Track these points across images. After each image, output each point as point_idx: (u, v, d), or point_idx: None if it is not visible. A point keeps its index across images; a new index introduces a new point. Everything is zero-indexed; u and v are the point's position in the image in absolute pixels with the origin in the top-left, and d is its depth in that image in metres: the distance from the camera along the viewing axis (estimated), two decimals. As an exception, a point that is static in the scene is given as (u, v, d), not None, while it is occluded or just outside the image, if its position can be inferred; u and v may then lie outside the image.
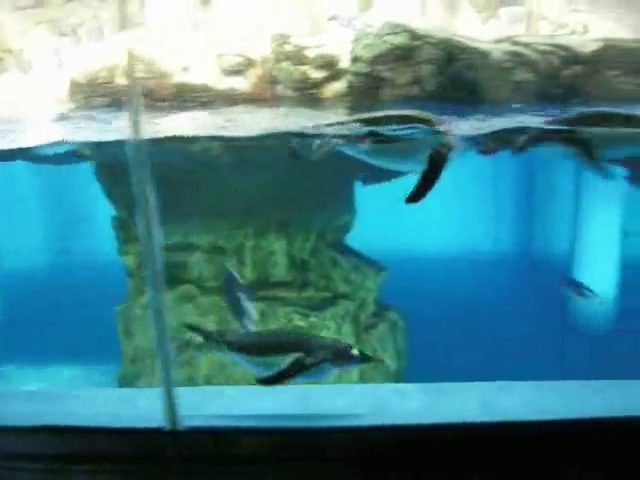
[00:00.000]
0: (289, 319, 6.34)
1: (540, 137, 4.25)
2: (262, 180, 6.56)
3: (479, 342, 7.62)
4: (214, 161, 6.50)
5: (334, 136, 4.78)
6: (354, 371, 6.50)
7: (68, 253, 9.25)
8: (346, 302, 6.52)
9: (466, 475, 2.76)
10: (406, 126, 4.32)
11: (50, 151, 7.39)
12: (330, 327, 6.37)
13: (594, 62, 4.95)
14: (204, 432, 3.17)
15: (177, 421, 3.15)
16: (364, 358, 3.19)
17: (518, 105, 4.66)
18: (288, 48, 6.23)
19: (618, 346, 7.73)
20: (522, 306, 8.54)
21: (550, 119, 4.56)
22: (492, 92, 4.58)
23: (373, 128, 4.48)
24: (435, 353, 6.97)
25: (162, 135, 6.37)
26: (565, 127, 4.39)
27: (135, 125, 2.74)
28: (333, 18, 6.80)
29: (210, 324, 6.50)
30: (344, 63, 5.94)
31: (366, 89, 5.56)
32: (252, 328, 4.19)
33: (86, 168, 7.15)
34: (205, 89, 6.84)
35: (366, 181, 7.21)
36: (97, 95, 7.34)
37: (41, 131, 6.75)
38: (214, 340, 3.76)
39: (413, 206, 4.28)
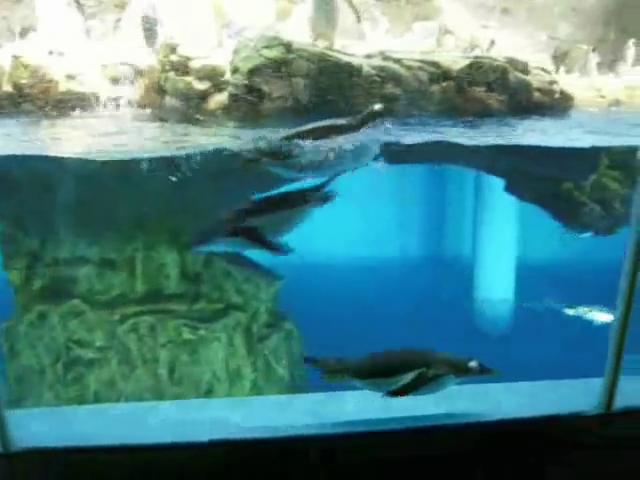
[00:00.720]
0: (178, 332, 6.27)
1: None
2: (153, 191, 6.49)
3: (381, 348, 7.76)
4: (101, 173, 6.37)
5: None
6: (246, 382, 6.52)
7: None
8: (238, 313, 6.51)
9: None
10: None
11: None
12: (221, 339, 6.35)
13: (463, 78, 5.13)
14: (37, 452, 3.07)
15: (8, 443, 3.04)
16: (482, 369, 3.20)
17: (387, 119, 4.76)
18: (174, 58, 6.18)
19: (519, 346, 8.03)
20: (425, 310, 8.76)
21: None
22: (361, 106, 4.67)
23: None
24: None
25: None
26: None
27: None
28: (224, 27, 6.81)
29: (98, 340, 6.38)
30: (228, 75, 5.96)
31: (246, 101, 5.57)
32: None
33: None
34: (92, 97, 6.72)
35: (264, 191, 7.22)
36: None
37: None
38: (335, 369, 3.63)
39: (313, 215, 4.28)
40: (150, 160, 6.18)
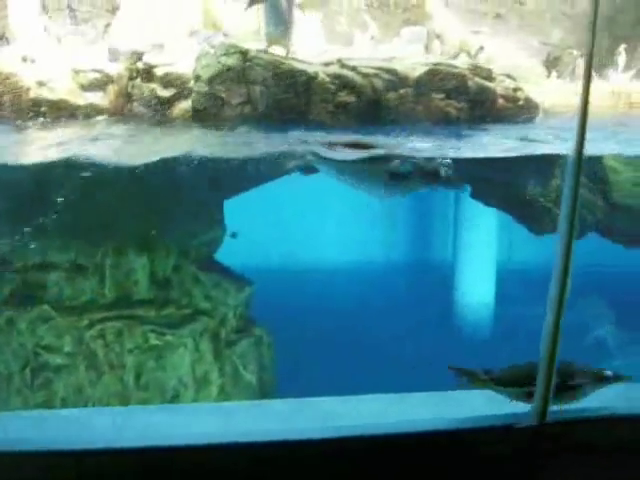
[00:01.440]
0: (145, 338, 6.30)
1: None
2: (121, 196, 6.54)
3: (352, 354, 7.77)
4: (69, 178, 6.42)
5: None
6: (213, 388, 6.53)
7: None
8: (205, 319, 6.54)
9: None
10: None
11: None
12: (187, 345, 6.37)
13: (421, 85, 5.14)
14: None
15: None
16: (617, 377, 3.32)
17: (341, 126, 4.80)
18: (140, 66, 6.23)
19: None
20: (402, 315, 8.75)
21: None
22: (316, 113, 4.70)
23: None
24: (306, 367, 7.07)
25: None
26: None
27: None
28: (193, 34, 6.85)
29: (66, 346, 6.41)
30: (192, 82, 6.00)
31: (208, 108, 5.62)
32: None
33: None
34: (63, 104, 6.77)
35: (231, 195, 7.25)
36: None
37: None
38: (482, 379, 3.75)
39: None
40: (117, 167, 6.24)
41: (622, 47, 13.24)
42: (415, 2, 17.04)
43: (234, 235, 9.37)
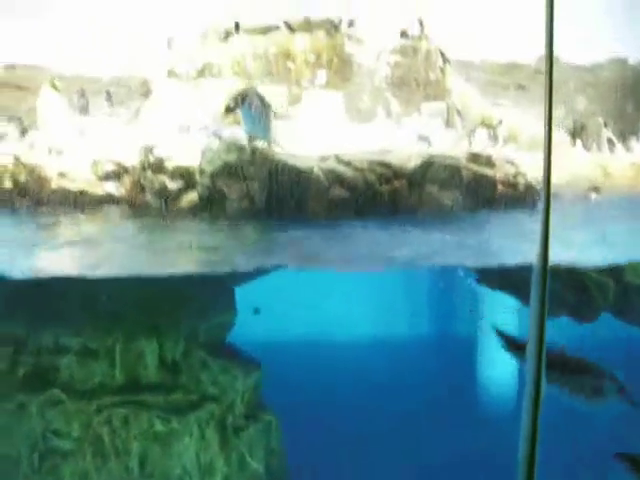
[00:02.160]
0: (151, 424, 6.31)
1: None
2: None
3: (365, 439, 7.59)
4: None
5: None
6: (219, 474, 6.45)
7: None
8: (212, 405, 6.53)
9: None
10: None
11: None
12: (193, 432, 6.35)
13: (415, 177, 5.23)
14: None
15: None
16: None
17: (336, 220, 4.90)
18: (151, 158, 6.53)
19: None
20: (420, 395, 8.55)
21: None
22: (311, 208, 4.82)
23: None
24: (315, 452, 6.94)
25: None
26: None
27: None
28: (203, 128, 7.17)
29: (74, 431, 6.47)
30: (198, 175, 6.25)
31: (212, 201, 5.81)
32: None
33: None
34: (82, 194, 7.10)
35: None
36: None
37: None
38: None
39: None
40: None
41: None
42: (435, 78, 17.53)
43: (257, 311, 9.49)
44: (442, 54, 17.19)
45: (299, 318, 9.77)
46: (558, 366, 4.54)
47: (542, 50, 2.16)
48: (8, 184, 7.54)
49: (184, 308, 6.91)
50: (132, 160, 7.00)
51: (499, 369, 9.19)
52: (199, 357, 6.81)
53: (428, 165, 5.30)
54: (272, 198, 5.14)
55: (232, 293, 7.34)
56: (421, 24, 17.60)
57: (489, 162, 5.70)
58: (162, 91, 13.14)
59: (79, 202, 6.99)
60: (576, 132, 16.32)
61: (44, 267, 6.53)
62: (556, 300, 6.39)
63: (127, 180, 6.94)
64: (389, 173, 5.27)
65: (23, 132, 8.80)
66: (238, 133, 7.01)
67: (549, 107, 2.68)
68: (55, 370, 6.72)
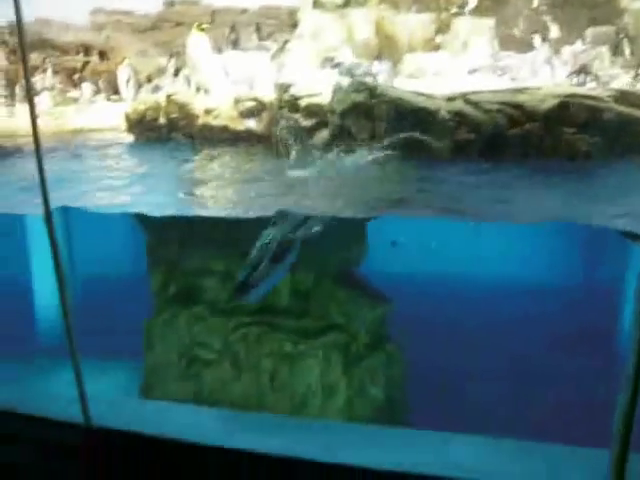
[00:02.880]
0: (280, 345, 6.86)
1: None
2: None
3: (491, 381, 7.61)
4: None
5: None
6: (340, 397, 6.91)
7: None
8: (337, 332, 6.90)
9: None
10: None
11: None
12: (318, 355, 6.80)
13: (549, 119, 4.93)
14: (116, 433, 3.72)
15: (89, 419, 3.73)
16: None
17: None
18: (286, 97, 6.78)
19: None
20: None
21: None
22: (437, 150, 4.80)
23: None
24: (435, 386, 7.15)
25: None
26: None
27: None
28: (335, 65, 7.22)
29: (215, 344, 7.23)
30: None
31: (340, 140, 5.97)
32: None
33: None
34: (225, 129, 7.58)
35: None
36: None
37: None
38: None
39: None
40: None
41: None
42: (604, -2, 15.61)
43: (394, 244, 9.71)
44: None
45: (434, 255, 9.78)
46: None
47: None
48: (162, 120, 8.26)
49: (316, 240, 7.24)
50: (271, 96, 7.29)
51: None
52: (328, 287, 7.18)
53: (565, 106, 4.95)
54: (398, 139, 5.15)
55: (364, 227, 7.53)
56: None
57: (638, 102, 5.16)
58: (308, 22, 13.21)
59: (222, 137, 7.48)
60: None
61: (192, 201, 7.16)
62: None
63: (265, 117, 7.27)
64: (520, 115, 5.01)
65: (177, 71, 9.45)
66: (371, 70, 7.00)
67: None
68: (200, 290, 7.49)
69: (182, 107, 7.66)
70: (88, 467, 3.63)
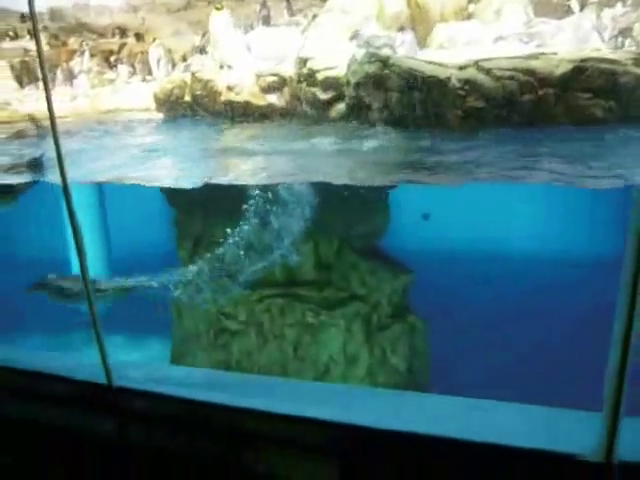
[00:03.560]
0: (303, 315, 7.03)
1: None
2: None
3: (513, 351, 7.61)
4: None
5: None
6: (361, 366, 7.05)
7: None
8: (359, 303, 7.03)
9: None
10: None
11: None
12: (339, 325, 6.95)
13: (563, 85, 4.86)
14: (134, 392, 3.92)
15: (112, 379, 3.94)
16: None
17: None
18: (304, 71, 6.84)
19: None
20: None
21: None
22: (447, 118, 4.82)
23: None
24: (461, 358, 7.20)
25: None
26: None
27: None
28: (354, 37, 7.22)
29: (241, 315, 7.45)
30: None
31: (358, 111, 6.01)
32: None
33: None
34: (247, 105, 7.70)
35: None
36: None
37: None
38: None
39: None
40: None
41: None
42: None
43: (426, 217, 9.73)
44: None
45: (462, 227, 9.74)
46: None
47: None
48: (187, 97, 8.42)
49: (339, 213, 7.34)
50: (291, 71, 7.36)
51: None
52: (350, 259, 7.29)
53: (580, 71, 4.85)
54: (409, 109, 5.16)
55: (386, 200, 7.58)
56: None
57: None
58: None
59: (245, 112, 7.60)
60: None
61: (215, 175, 7.32)
62: None
63: (286, 91, 7.35)
64: (534, 81, 4.94)
65: (201, 50, 9.59)
66: (391, 42, 6.97)
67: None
68: (227, 263, 7.69)
69: (205, 84, 7.80)
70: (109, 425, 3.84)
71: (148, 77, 15.31)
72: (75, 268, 9.89)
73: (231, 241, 7.68)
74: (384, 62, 5.38)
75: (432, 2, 14.00)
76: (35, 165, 8.06)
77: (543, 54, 5.59)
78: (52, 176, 7.77)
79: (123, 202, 9.20)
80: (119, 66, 16.96)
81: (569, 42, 10.85)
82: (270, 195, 7.26)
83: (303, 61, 6.81)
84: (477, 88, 4.97)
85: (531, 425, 3.27)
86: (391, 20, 13.35)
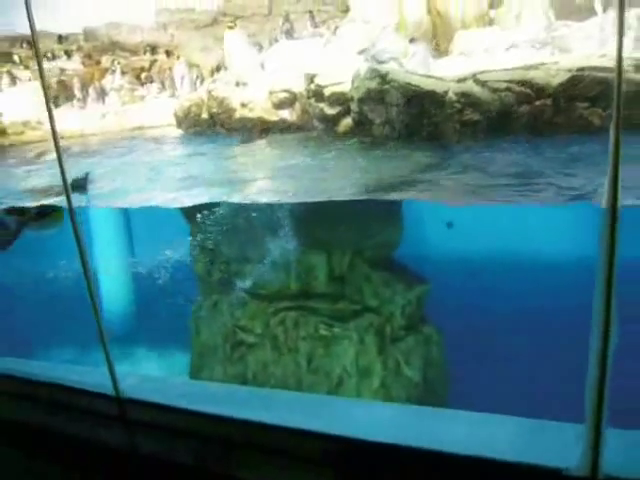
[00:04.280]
0: (316, 328, 7.09)
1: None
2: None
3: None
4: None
5: None
6: (375, 378, 7.06)
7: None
8: (372, 315, 7.05)
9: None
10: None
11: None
12: (352, 337, 6.98)
13: (560, 95, 4.82)
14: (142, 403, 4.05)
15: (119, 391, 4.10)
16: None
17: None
18: (312, 87, 6.94)
19: None
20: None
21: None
22: (444, 132, 4.84)
23: None
24: (477, 367, 7.14)
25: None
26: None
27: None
28: (362, 51, 7.28)
29: (257, 328, 7.56)
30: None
31: (362, 126, 6.08)
32: None
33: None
34: (260, 122, 7.84)
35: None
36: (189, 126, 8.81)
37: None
38: None
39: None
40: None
41: None
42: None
43: (450, 225, 9.70)
44: None
45: (479, 237, 9.67)
46: None
47: None
48: (204, 115, 8.61)
49: (352, 225, 7.39)
50: (302, 87, 7.46)
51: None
52: (363, 271, 7.32)
53: (577, 81, 4.79)
54: (409, 123, 5.19)
55: (399, 211, 7.59)
56: None
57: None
58: (360, 6, 13.21)
59: (258, 129, 7.74)
60: None
61: (232, 194, 7.46)
62: None
63: (297, 107, 7.45)
64: (531, 92, 4.90)
65: (217, 68, 9.78)
66: (397, 55, 7.01)
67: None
68: (242, 277, 7.82)
69: (221, 102, 7.97)
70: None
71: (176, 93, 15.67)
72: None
73: (246, 256, 7.82)
74: (383, 77, 5.42)
75: (453, 9, 13.96)
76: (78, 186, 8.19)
77: (543, 64, 5.54)
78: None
79: (143, 218, 9.44)
80: (150, 83, 17.41)
81: (591, 45, 10.68)
82: (282, 211, 7.37)
83: (311, 77, 6.90)
84: (473, 101, 4.97)
85: (516, 437, 3.26)
86: (413, 28, 13.37)
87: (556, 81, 4.90)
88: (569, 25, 12.55)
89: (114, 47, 19.59)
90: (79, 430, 4.16)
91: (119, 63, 18.83)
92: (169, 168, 8.38)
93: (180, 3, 21.99)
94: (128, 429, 4.10)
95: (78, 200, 8.20)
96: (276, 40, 14.88)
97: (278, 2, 20.60)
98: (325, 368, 7.07)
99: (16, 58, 15.83)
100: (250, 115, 7.66)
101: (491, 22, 13.66)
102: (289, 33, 16.87)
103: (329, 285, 7.39)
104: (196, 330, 8.11)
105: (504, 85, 5.00)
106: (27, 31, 2.24)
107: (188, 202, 7.51)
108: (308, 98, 6.96)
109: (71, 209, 4.26)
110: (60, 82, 17.38)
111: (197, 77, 15.38)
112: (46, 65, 17.56)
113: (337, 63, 7.54)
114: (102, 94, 16.74)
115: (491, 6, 13.96)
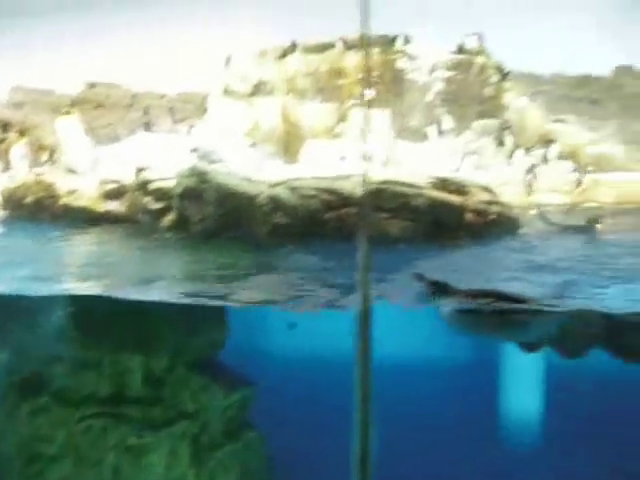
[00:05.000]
0: (125, 437, 6.50)
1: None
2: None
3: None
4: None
5: None
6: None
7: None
8: (186, 422, 6.61)
9: None
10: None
11: None
12: (164, 446, 6.47)
13: (363, 204, 5.06)
14: None
15: None
16: None
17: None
18: (140, 179, 6.79)
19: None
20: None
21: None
22: (256, 232, 4.84)
23: None
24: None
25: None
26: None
27: None
28: (194, 150, 7.34)
29: (59, 437, 6.78)
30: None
31: (182, 222, 5.95)
32: None
33: None
34: (85, 211, 7.47)
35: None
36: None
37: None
38: None
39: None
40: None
41: None
42: (492, 94, 16.81)
43: (293, 326, 9.54)
44: (499, 69, 16.50)
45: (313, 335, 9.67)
46: None
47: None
48: (29, 199, 8.11)
49: (172, 324, 7.06)
50: (132, 179, 7.30)
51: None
52: (182, 374, 6.93)
53: (378, 192, 5.12)
54: (224, 222, 5.18)
55: (222, 311, 7.40)
56: (480, 38, 17.01)
57: (460, 189, 5.38)
58: (216, 108, 13.59)
59: (83, 218, 7.37)
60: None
61: (40, 285, 6.92)
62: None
63: (127, 198, 7.24)
64: (337, 200, 5.15)
65: (51, 154, 9.43)
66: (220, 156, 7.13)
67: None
68: (47, 378, 7.08)
69: (47, 187, 7.56)
70: None
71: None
72: None
73: (53, 355, 7.14)
74: (202, 176, 5.43)
75: (304, 120, 14.79)
76: None
77: (352, 175, 5.90)
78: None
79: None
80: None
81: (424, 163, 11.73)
82: (95, 305, 6.91)
83: (139, 170, 6.78)
84: (281, 205, 5.09)
85: None
86: (265, 134, 13.90)
87: (359, 191, 5.17)
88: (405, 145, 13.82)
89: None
90: None
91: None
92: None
93: (39, 83, 21.30)
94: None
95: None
96: (133, 131, 14.77)
97: (141, 95, 20.71)
98: (132, 482, 6.43)
99: None
100: (75, 204, 7.30)
101: (337, 135, 14.68)
102: (148, 126, 16.89)
103: (145, 389, 6.88)
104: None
105: (312, 192, 5.20)
106: None
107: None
108: (135, 191, 6.79)
109: None
110: None
111: (48, 160, 14.73)
112: None
113: (170, 159, 7.52)
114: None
115: (339, 120, 15.05)
